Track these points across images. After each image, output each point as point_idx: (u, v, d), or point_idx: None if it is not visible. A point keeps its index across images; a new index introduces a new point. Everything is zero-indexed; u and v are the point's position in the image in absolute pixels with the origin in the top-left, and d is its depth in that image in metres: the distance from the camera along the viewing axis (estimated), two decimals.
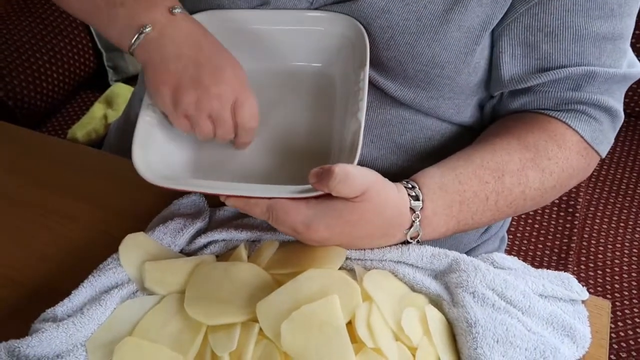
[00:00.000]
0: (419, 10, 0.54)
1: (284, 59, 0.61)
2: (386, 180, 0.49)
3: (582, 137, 0.56)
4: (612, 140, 0.59)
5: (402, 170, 0.62)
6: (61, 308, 0.46)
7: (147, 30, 0.52)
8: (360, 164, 0.48)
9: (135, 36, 0.52)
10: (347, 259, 0.50)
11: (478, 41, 0.55)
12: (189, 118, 0.52)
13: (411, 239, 0.50)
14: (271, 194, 0.47)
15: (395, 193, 0.49)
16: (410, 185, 0.50)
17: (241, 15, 0.59)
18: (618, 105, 0.58)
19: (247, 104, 0.53)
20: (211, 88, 0.51)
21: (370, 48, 0.55)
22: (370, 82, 0.58)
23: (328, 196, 0.46)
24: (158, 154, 0.53)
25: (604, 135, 0.57)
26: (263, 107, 0.56)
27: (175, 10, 0.53)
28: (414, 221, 0.49)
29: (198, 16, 0.58)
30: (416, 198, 0.49)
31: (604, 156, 0.59)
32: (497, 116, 0.63)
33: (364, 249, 0.51)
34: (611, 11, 0.54)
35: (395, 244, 0.51)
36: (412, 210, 0.49)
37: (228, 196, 0.49)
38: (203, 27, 0.55)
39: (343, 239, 0.48)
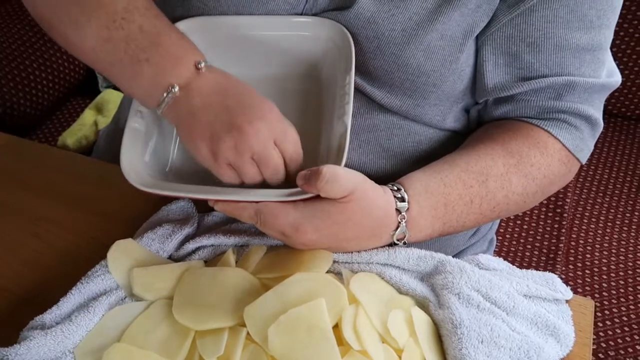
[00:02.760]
0: (404, 21, 0.55)
1: (271, 64, 0.62)
2: (372, 182, 0.49)
3: (564, 145, 0.57)
4: (592, 148, 0.61)
5: (390, 175, 0.63)
6: (49, 316, 0.46)
7: (175, 90, 0.49)
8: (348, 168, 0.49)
9: (163, 97, 0.50)
10: (334, 262, 0.51)
11: (461, 49, 0.56)
12: (233, 165, 0.49)
13: (398, 240, 0.51)
14: (259, 197, 0.48)
15: (382, 194, 0.49)
16: (395, 188, 0.51)
17: (229, 21, 0.59)
18: (597, 114, 0.59)
19: (289, 136, 0.50)
20: (245, 127, 0.48)
21: (357, 57, 0.56)
22: (357, 88, 0.59)
23: (315, 199, 0.47)
24: (146, 161, 0.54)
25: (584, 143, 0.59)
26: None
27: (201, 65, 0.51)
28: (399, 222, 0.50)
29: (186, 22, 0.59)
30: (402, 199, 0.50)
31: (584, 163, 0.61)
32: (482, 122, 0.64)
33: (352, 252, 0.51)
34: (590, 23, 0.55)
35: (383, 247, 0.52)
36: (398, 211, 0.50)
37: (217, 201, 0.49)
38: (226, 73, 0.53)
39: (331, 241, 0.49)
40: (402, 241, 0.51)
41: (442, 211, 0.52)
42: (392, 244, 0.52)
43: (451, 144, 0.63)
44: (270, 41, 0.60)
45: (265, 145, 0.49)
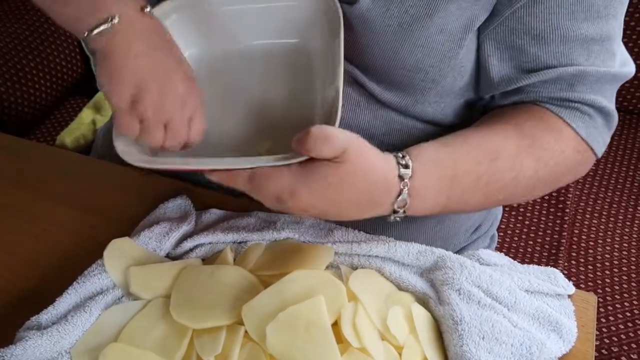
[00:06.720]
0: (400, 16, 0.54)
1: (259, 37, 0.61)
2: (368, 143, 0.47)
3: (577, 132, 0.56)
4: (608, 140, 0.59)
5: None
6: (45, 316, 0.46)
7: (115, 21, 0.48)
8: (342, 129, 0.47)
9: (99, 23, 0.48)
10: (334, 254, 0.50)
11: (461, 44, 0.55)
12: (143, 121, 0.48)
13: (399, 207, 0.49)
14: (253, 164, 0.47)
15: (381, 157, 0.48)
16: (401, 155, 0.49)
17: None
18: (611, 105, 0.57)
19: (201, 118, 0.51)
20: (179, 91, 0.49)
21: (354, 54, 0.55)
22: (357, 82, 0.58)
23: (310, 161, 0.45)
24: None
25: (598, 133, 0.57)
26: (245, 86, 0.56)
27: (147, 10, 0.51)
28: (402, 189, 0.48)
29: (172, 1, 0.58)
30: (406, 166, 0.48)
31: (599, 155, 0.58)
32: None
33: (352, 219, 0.49)
34: (597, 13, 0.54)
35: (382, 240, 0.51)
36: (401, 178, 0.48)
37: (212, 170, 0.48)
38: (169, 34, 0.53)
39: (328, 205, 0.46)
40: (403, 209, 0.49)
41: (448, 184, 0.50)
42: (392, 213, 0.49)
43: None
44: (256, 14, 0.59)
45: (183, 117, 0.49)
